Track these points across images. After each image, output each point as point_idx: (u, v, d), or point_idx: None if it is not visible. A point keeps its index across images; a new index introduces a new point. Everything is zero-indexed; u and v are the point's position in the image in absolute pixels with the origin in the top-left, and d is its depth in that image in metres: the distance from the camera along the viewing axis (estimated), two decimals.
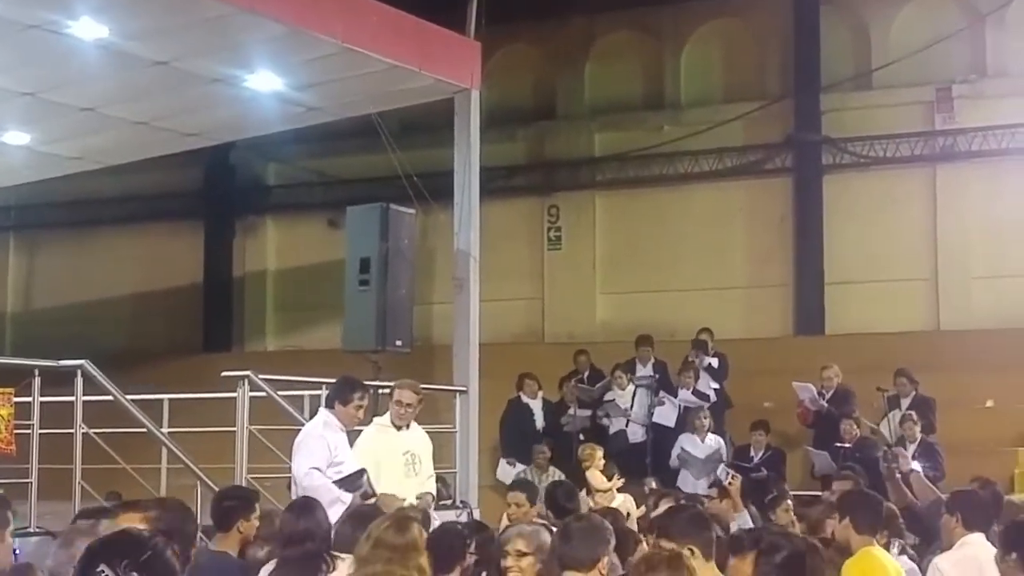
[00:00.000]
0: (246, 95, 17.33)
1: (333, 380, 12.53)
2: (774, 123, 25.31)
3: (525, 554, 7.59)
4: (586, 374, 21.38)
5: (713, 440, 18.97)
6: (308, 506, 8.53)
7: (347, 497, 11.10)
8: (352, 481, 11.44)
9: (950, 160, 23.91)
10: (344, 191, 26.26)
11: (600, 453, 16.01)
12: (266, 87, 17.14)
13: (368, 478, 11.58)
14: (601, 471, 15.67)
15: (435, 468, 13.30)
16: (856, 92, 24.78)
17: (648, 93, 26.99)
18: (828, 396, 19.16)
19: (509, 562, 7.63)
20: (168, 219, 30.24)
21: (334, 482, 11.34)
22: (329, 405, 12.01)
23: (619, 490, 15.50)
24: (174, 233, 30.43)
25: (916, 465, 14.10)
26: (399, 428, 12.35)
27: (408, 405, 12.38)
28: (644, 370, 20.60)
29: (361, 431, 12.56)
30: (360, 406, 11.93)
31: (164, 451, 14.59)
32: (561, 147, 27.39)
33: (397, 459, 12.23)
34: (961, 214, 23.72)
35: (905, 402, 18.73)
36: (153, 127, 18.57)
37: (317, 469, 11.40)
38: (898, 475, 12.02)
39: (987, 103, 23.63)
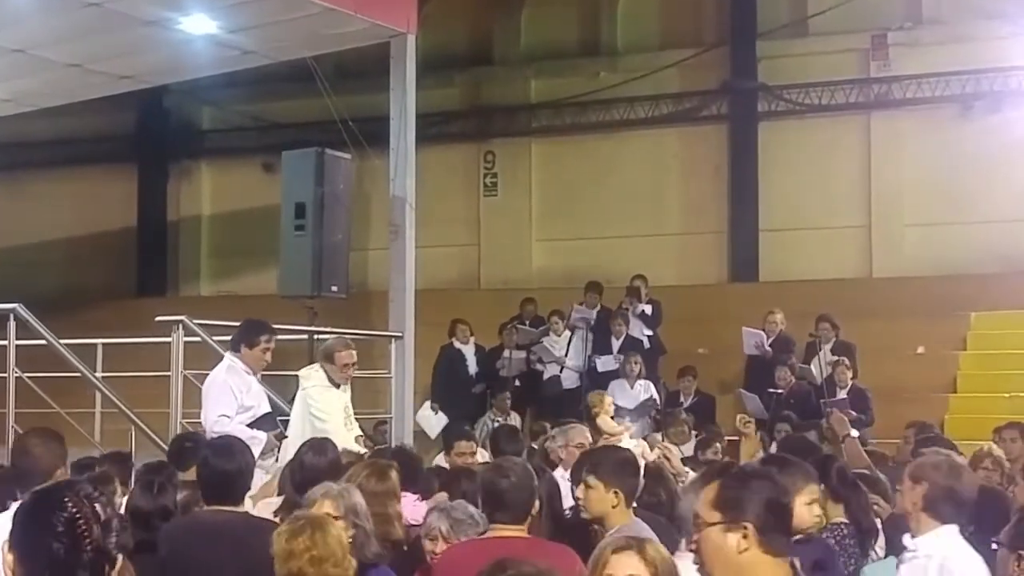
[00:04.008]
0: (180, 38, 17.18)
1: None
2: (710, 70, 25.33)
3: (335, 518, 6.59)
4: (528, 321, 21.38)
5: (642, 386, 18.96)
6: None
7: (261, 435, 11.16)
8: (265, 422, 11.53)
9: (885, 108, 24.01)
10: (279, 135, 26.09)
11: (609, 399, 15.92)
12: (200, 30, 17.00)
13: (275, 420, 11.73)
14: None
15: (372, 414, 13.39)
16: (792, 39, 24.77)
17: (584, 39, 26.94)
18: (770, 342, 19.29)
19: None
20: (101, 163, 29.99)
21: (248, 424, 11.40)
22: (234, 348, 11.98)
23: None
24: (107, 177, 30.19)
25: (854, 431, 14.30)
26: (338, 386, 12.37)
27: (353, 365, 12.43)
28: (585, 312, 20.56)
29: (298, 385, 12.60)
30: (267, 349, 11.89)
31: (98, 396, 14.58)
32: (497, 93, 27.34)
33: (340, 416, 12.28)
34: (895, 161, 23.84)
35: (826, 347, 18.85)
36: (86, 69, 18.38)
37: (226, 416, 11.42)
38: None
39: (922, 51, 23.70)
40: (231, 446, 7.83)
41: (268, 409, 12.01)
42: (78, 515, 3.74)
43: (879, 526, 8.20)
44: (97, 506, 3.81)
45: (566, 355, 20.22)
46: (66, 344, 13.99)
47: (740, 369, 20.04)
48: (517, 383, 20.02)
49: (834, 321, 19.13)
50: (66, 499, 3.75)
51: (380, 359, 17.46)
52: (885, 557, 7.70)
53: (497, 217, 27.00)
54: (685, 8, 26.05)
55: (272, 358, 12.13)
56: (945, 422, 18.49)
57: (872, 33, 24.09)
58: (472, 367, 20.76)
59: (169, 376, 13.90)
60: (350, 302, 17.38)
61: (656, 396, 19.01)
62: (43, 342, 13.70)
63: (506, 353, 20.48)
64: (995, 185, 22.57)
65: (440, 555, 7.03)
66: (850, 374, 17.87)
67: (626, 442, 14.23)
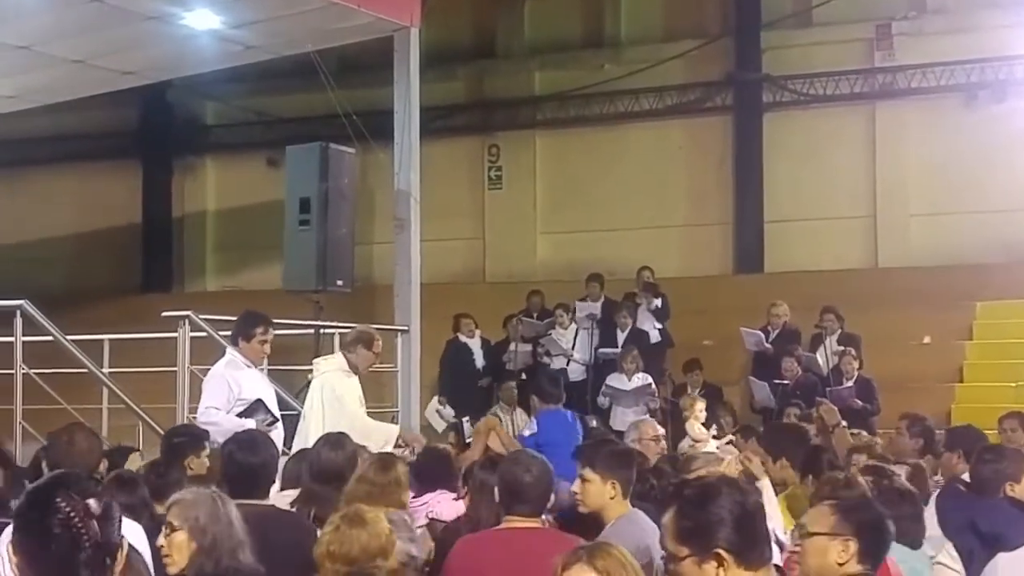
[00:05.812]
0: (183, 33, 17.16)
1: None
2: (714, 61, 25.30)
3: (176, 529, 6.06)
4: (535, 314, 21.34)
5: (639, 379, 18.91)
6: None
7: (249, 423, 11.13)
8: (252, 410, 11.52)
9: (889, 97, 23.97)
10: (283, 130, 26.10)
11: (701, 405, 15.84)
12: (203, 25, 16.98)
13: (267, 406, 11.67)
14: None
15: (378, 407, 13.37)
16: (796, 29, 24.75)
17: (588, 31, 26.92)
18: (775, 334, 19.26)
19: (159, 540, 6.13)
20: (105, 159, 30.00)
21: (237, 414, 11.39)
22: (233, 342, 11.99)
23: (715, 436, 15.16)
24: (111, 173, 30.21)
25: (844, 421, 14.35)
26: (357, 374, 12.37)
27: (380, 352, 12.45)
28: (590, 307, 20.53)
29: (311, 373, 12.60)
30: (264, 340, 11.82)
31: (105, 391, 14.58)
32: (501, 86, 27.31)
33: (357, 400, 12.27)
34: (900, 151, 23.82)
35: (832, 339, 18.82)
36: (89, 65, 18.37)
37: (215, 408, 11.40)
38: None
39: (926, 40, 23.65)
40: (255, 440, 7.89)
41: (262, 397, 11.97)
42: (72, 514, 3.75)
43: None
44: (91, 501, 3.81)
45: (573, 348, 20.22)
46: (73, 340, 13.99)
47: (745, 361, 20.03)
48: (523, 376, 19.99)
49: (838, 312, 19.09)
50: (59, 499, 3.76)
51: (386, 353, 17.42)
52: None
53: (502, 210, 26.99)
54: None
55: (278, 353, 12.13)
56: (952, 412, 18.49)
57: (876, 23, 24.06)
58: (479, 361, 20.76)
59: (176, 371, 13.93)
60: (355, 296, 17.35)
61: (653, 385, 18.93)
62: (50, 338, 13.70)
63: (512, 346, 20.47)
64: (1000, 174, 22.55)
65: (456, 546, 6.93)
66: (856, 364, 17.84)
67: (711, 450, 14.19)
